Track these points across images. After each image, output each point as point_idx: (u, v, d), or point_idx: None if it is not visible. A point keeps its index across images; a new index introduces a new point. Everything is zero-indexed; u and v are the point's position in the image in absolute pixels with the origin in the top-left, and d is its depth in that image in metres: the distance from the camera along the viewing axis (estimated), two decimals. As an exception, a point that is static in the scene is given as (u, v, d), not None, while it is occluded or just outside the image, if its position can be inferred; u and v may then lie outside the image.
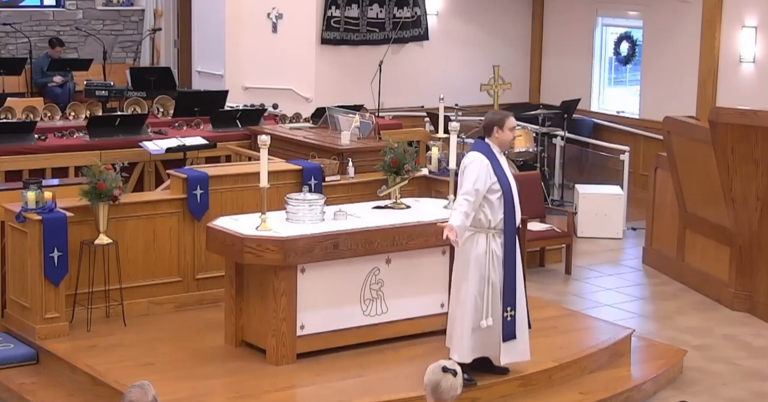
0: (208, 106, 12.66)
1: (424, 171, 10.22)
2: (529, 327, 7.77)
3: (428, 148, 11.30)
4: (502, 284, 7.52)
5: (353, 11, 15.16)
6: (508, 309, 7.55)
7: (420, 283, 8.41)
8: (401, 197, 8.89)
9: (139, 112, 12.76)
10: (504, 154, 7.78)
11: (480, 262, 7.50)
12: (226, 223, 8.20)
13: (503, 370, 7.82)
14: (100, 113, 12.86)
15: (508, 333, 7.58)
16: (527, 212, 11.12)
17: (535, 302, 9.78)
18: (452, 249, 7.84)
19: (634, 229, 12.94)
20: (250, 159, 11.07)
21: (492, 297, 7.52)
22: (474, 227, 7.50)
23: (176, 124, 12.44)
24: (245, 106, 13.05)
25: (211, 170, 9.51)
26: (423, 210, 8.66)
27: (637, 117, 15.23)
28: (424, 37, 15.73)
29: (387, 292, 8.35)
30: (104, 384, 7.60)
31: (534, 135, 13.58)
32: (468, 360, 7.54)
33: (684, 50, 14.28)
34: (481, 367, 7.73)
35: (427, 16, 15.71)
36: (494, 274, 7.51)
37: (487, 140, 7.62)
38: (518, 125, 13.93)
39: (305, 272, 7.99)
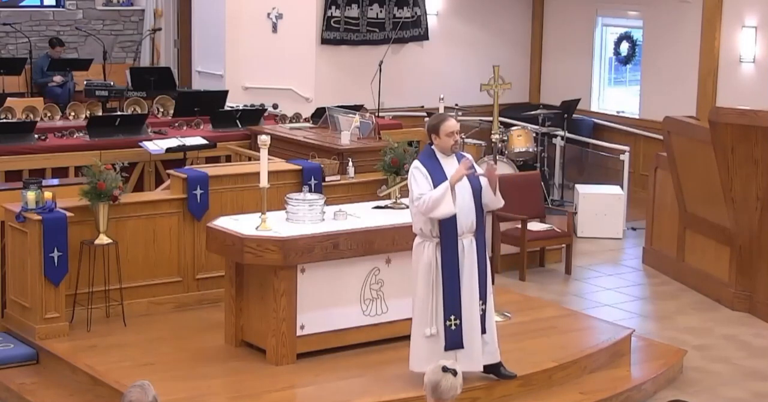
0: (208, 106, 12.66)
1: (424, 171, 10.20)
2: (484, 332, 7.56)
3: (428, 148, 11.30)
4: (442, 293, 7.40)
5: (353, 11, 15.16)
6: (452, 318, 7.41)
7: (420, 283, 8.40)
8: (401, 197, 8.89)
9: (139, 112, 12.76)
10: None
11: (426, 270, 7.42)
12: (226, 223, 8.20)
13: (510, 376, 7.77)
14: (100, 113, 12.85)
15: (453, 342, 7.44)
16: (527, 212, 11.15)
17: (535, 302, 9.81)
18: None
19: (634, 229, 12.94)
20: (250, 159, 11.07)
21: (437, 305, 7.43)
22: (421, 236, 7.46)
23: (176, 124, 12.44)
24: (245, 106, 13.04)
25: (211, 170, 9.51)
26: (423, 210, 8.64)
27: (637, 117, 15.23)
28: (424, 37, 15.74)
29: (387, 292, 8.35)
30: (104, 384, 7.61)
31: (534, 135, 13.58)
32: (418, 369, 7.38)
33: (684, 50, 14.28)
34: (487, 372, 7.69)
35: (427, 16, 15.71)
36: (438, 283, 7.39)
37: (432, 146, 7.52)
38: (518, 125, 14.04)
39: (305, 272, 7.99)
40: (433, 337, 7.46)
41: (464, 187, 7.39)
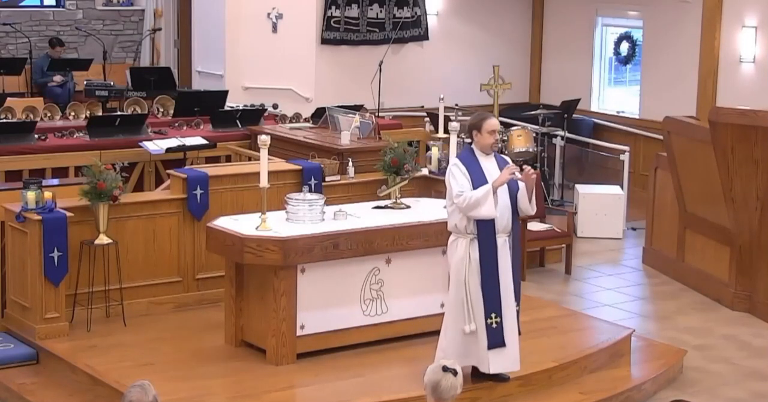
0: (208, 106, 12.66)
1: (424, 171, 10.22)
2: (519, 333, 7.64)
3: (428, 148, 11.30)
4: (481, 290, 7.43)
5: (353, 11, 15.16)
6: (492, 315, 7.43)
7: (420, 283, 8.41)
8: (401, 197, 8.90)
9: (139, 112, 12.76)
10: (505, 155, 7.74)
11: (459, 267, 7.44)
12: (226, 223, 8.20)
13: (504, 378, 7.75)
14: (100, 113, 12.86)
15: (494, 340, 7.46)
16: (527, 212, 11.14)
17: (535, 302, 9.80)
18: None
19: (634, 229, 12.94)
20: (250, 159, 11.07)
21: (473, 303, 7.43)
22: (455, 233, 7.48)
23: (176, 124, 12.44)
24: (245, 106, 13.05)
25: (211, 170, 9.51)
26: (423, 210, 8.66)
27: (637, 117, 15.24)
28: (424, 37, 15.74)
29: (387, 292, 8.35)
30: (104, 384, 7.61)
31: (534, 135, 13.57)
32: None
33: (684, 50, 14.28)
34: (481, 374, 7.66)
35: (427, 16, 15.71)
36: (473, 280, 7.41)
37: (472, 145, 7.57)
38: (518, 125, 14.03)
39: (305, 272, 7.99)
40: (471, 335, 7.45)
41: (502, 188, 7.42)
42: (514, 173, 7.38)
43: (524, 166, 7.49)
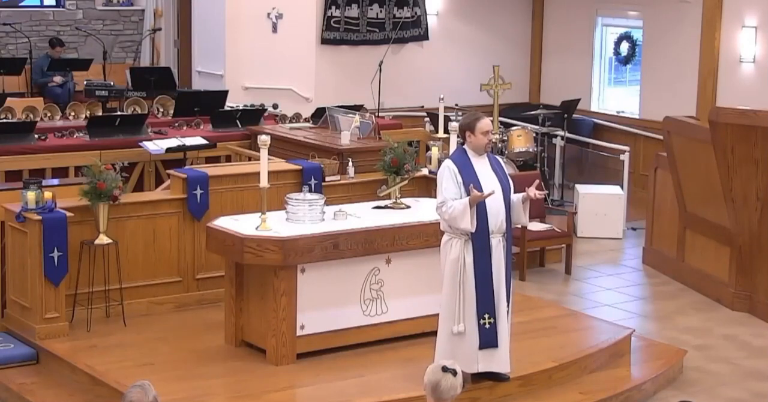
0: (208, 106, 12.67)
1: (424, 171, 10.22)
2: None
3: (428, 148, 11.31)
4: (474, 291, 7.41)
5: (353, 11, 15.16)
6: (486, 316, 7.42)
7: (420, 283, 8.41)
8: (401, 197, 8.90)
9: (139, 112, 12.76)
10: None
11: (453, 267, 7.42)
12: (226, 223, 8.20)
13: (504, 378, 7.75)
14: (100, 113, 12.86)
15: (487, 341, 7.45)
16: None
17: (535, 302, 9.81)
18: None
19: (634, 229, 12.94)
20: (250, 159, 11.07)
21: (464, 303, 7.42)
22: (449, 233, 7.47)
23: (176, 124, 12.44)
24: (245, 106, 13.05)
25: (211, 170, 9.52)
26: (423, 210, 8.66)
27: (637, 117, 15.24)
28: (424, 37, 15.74)
29: (387, 292, 8.35)
30: (104, 384, 7.61)
31: (534, 135, 13.58)
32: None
33: (684, 50, 14.28)
34: (481, 374, 7.65)
35: (427, 16, 15.71)
36: (467, 281, 7.39)
37: (464, 145, 7.54)
38: (518, 125, 14.04)
39: (305, 272, 7.99)
40: (460, 335, 7.44)
41: (495, 188, 7.38)
42: (492, 194, 7.29)
43: (536, 190, 7.43)
